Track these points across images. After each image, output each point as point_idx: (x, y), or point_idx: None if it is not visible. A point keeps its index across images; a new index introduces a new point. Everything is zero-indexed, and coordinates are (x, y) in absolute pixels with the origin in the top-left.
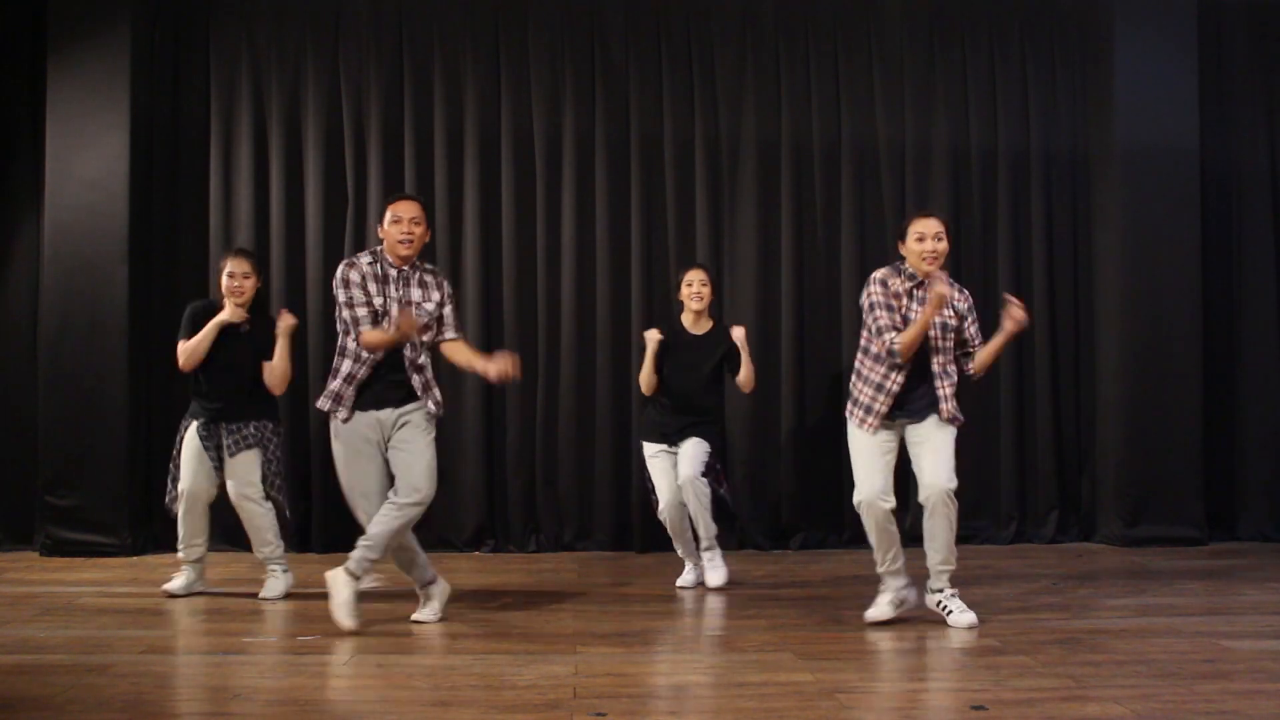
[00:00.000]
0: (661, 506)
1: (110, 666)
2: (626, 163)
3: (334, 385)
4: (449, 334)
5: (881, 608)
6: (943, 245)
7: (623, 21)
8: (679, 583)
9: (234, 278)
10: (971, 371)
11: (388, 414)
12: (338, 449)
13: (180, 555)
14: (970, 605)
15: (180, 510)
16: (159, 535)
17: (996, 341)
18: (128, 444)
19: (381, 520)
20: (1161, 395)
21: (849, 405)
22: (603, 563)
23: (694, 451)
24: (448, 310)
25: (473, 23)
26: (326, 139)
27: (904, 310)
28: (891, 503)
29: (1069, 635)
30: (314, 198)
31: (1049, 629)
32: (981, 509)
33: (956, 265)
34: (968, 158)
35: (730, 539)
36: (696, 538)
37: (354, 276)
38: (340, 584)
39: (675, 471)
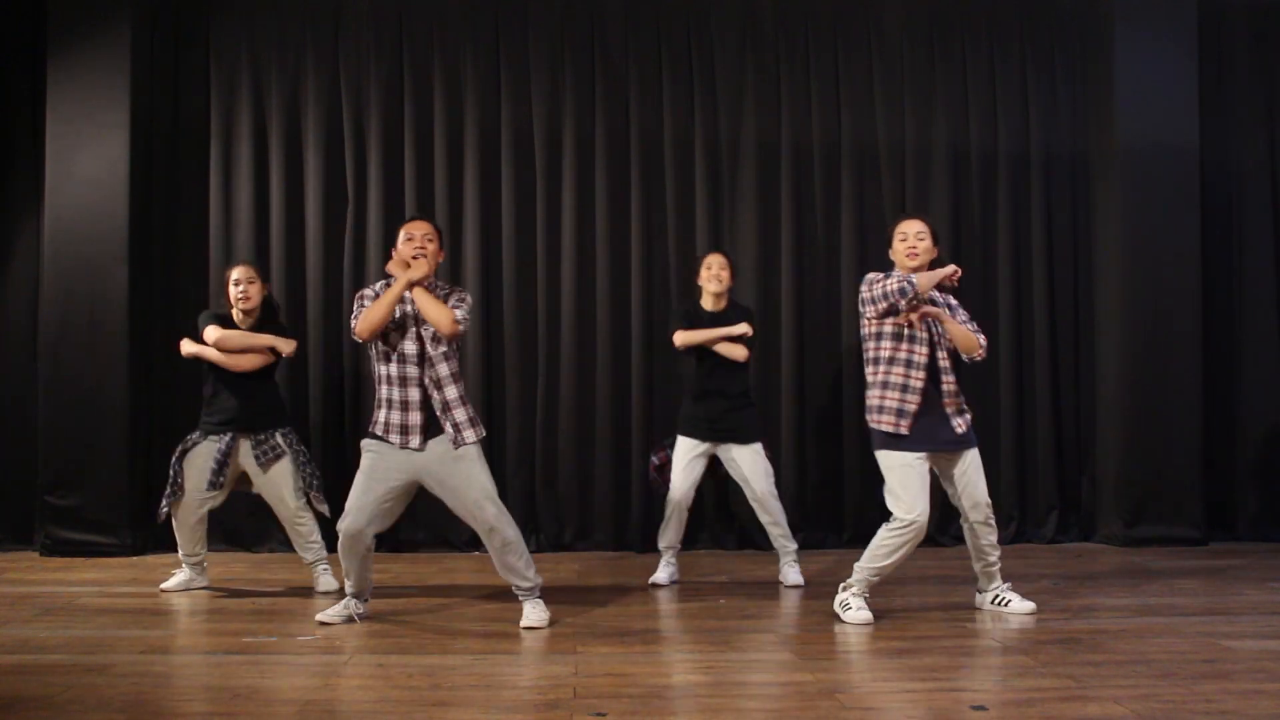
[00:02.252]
0: (675, 495)
1: (110, 666)
2: (626, 162)
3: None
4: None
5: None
6: (924, 244)
7: (623, 21)
8: (654, 579)
9: (239, 284)
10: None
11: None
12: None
13: (182, 556)
14: (970, 605)
15: (178, 522)
16: (159, 535)
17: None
18: (128, 444)
19: None
20: (1161, 395)
21: (873, 417)
22: (603, 563)
23: (758, 466)
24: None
25: (473, 22)
26: (326, 139)
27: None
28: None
29: (1069, 635)
30: (314, 198)
31: (1049, 629)
32: None
33: (956, 265)
34: (968, 158)
35: (730, 539)
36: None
37: (366, 291)
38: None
39: (744, 480)
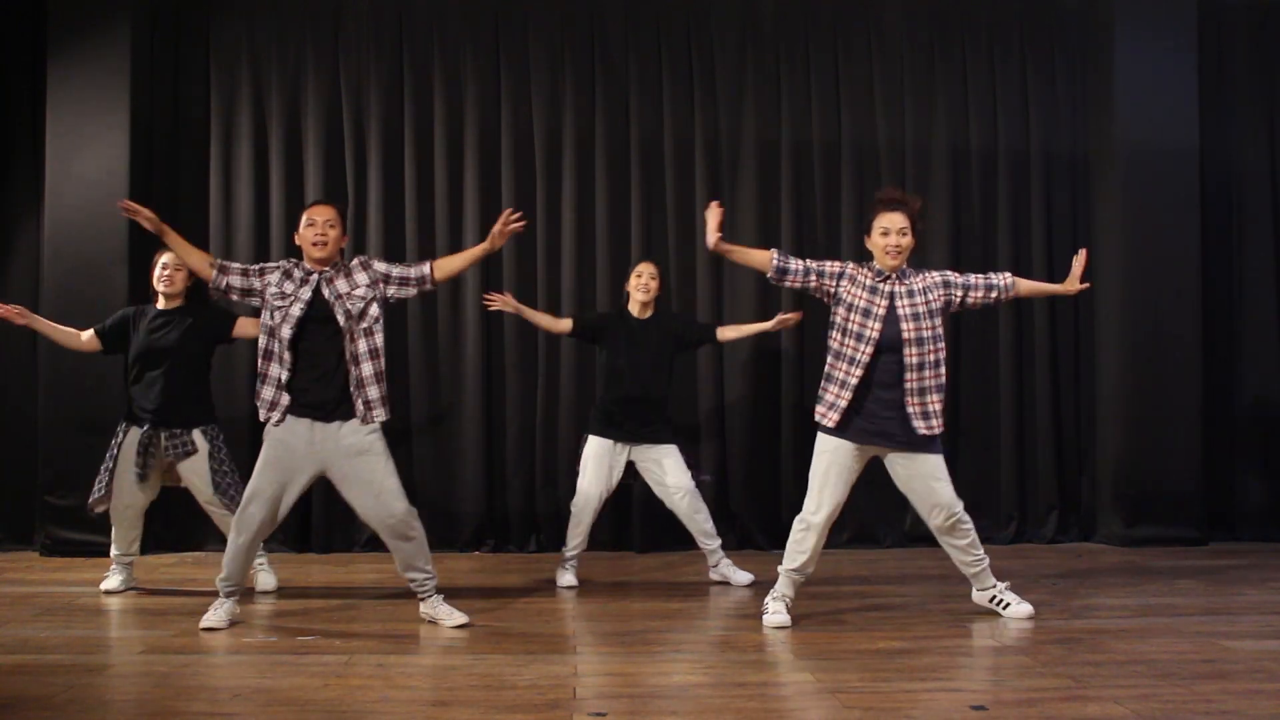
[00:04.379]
0: (583, 498)
1: (110, 666)
2: (626, 162)
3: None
4: (422, 270)
5: (783, 615)
6: (907, 240)
7: (623, 21)
8: (561, 583)
9: (165, 268)
10: (1008, 295)
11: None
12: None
13: (114, 555)
14: (971, 605)
15: (116, 519)
16: (158, 535)
17: (1044, 286)
18: None
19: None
20: (1161, 395)
21: (816, 408)
22: (603, 563)
23: (675, 461)
24: (395, 270)
25: (473, 22)
26: (326, 139)
27: (868, 303)
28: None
29: (1069, 635)
30: (314, 198)
31: (1049, 629)
32: (981, 509)
33: (956, 266)
34: (968, 158)
35: (730, 538)
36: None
37: (269, 265)
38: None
39: (662, 479)
